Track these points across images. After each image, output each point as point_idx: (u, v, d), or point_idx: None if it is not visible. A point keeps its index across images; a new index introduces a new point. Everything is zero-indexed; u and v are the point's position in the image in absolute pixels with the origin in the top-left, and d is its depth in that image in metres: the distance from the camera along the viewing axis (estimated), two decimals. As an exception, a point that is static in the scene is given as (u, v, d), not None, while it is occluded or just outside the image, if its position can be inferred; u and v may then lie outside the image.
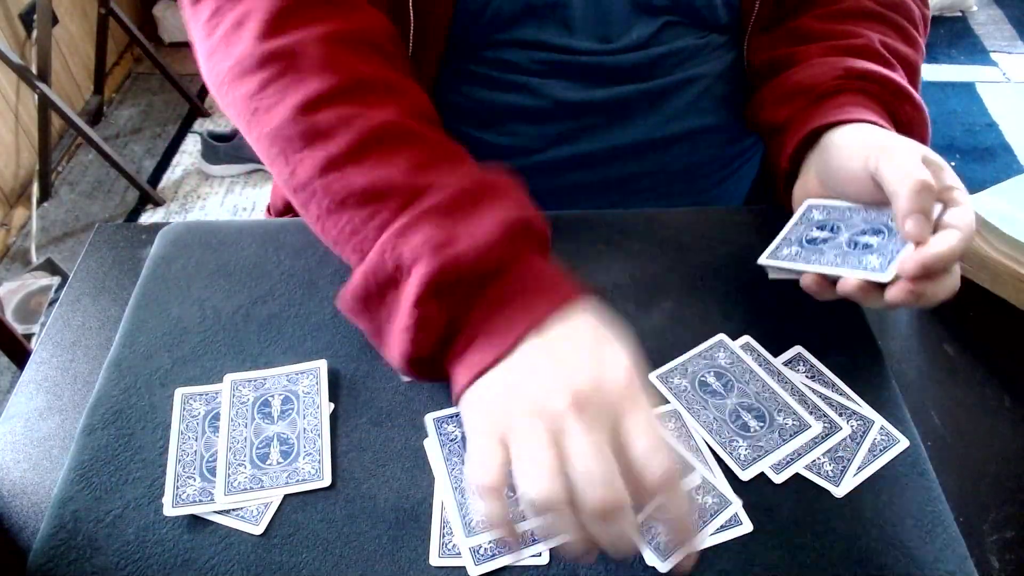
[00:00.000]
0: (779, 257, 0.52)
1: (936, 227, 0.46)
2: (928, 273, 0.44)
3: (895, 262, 0.46)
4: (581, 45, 0.64)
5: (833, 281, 0.49)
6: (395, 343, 0.44)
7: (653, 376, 0.51)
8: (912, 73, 0.62)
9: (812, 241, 0.52)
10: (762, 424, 0.48)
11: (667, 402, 0.50)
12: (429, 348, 0.43)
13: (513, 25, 0.63)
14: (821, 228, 0.52)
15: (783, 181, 0.60)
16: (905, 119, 0.57)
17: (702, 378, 0.51)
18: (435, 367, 0.44)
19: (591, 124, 0.67)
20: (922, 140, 0.58)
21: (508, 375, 0.41)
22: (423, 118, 0.48)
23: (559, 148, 0.68)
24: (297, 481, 0.46)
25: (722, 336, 0.53)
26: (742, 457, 0.47)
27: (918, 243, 0.45)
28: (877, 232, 0.49)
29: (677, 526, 0.39)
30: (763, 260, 0.53)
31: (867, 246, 0.49)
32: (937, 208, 0.47)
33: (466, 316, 0.43)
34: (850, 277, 0.47)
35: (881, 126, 0.54)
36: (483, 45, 0.64)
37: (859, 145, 0.52)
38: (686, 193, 0.73)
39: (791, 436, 0.48)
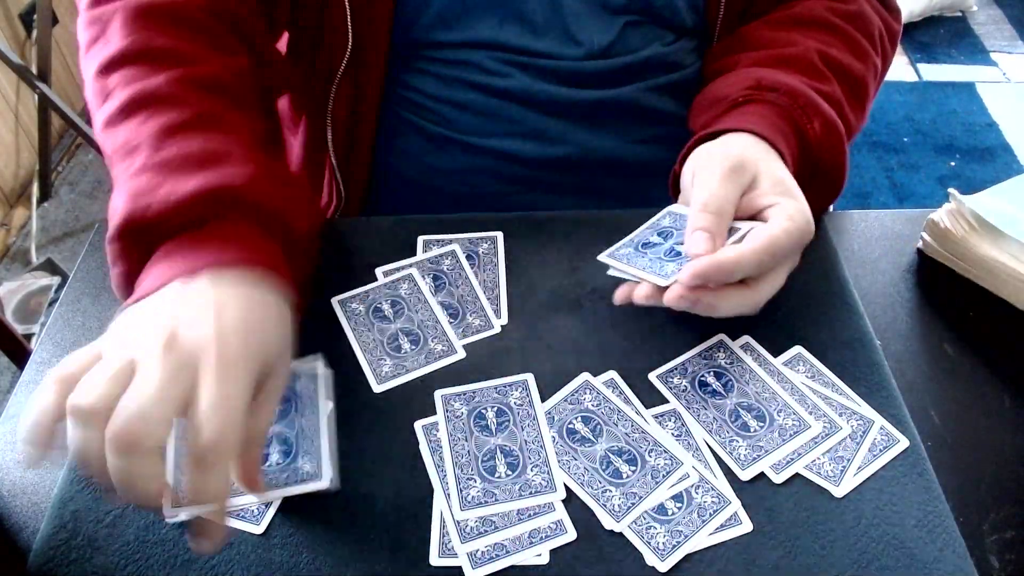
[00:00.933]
0: (615, 256, 0.53)
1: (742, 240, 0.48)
2: (702, 281, 0.46)
3: (676, 269, 0.48)
4: (544, 48, 0.64)
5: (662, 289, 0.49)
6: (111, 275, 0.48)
7: (653, 376, 0.51)
8: (855, 85, 0.61)
9: (645, 245, 0.52)
10: (762, 424, 0.48)
11: (667, 401, 0.50)
12: (125, 280, 0.47)
13: (464, 22, 0.63)
14: (660, 234, 0.53)
15: (674, 189, 0.59)
16: (812, 136, 0.56)
17: (702, 378, 0.51)
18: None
19: (558, 126, 0.67)
20: (834, 157, 0.57)
21: (143, 306, 0.42)
22: (196, 84, 0.52)
23: (524, 143, 0.68)
24: (296, 482, 0.46)
25: (722, 336, 0.53)
26: (742, 457, 0.47)
27: (695, 256, 0.47)
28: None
29: (195, 499, 0.37)
30: (602, 256, 0.53)
31: (678, 255, 0.50)
32: (740, 224, 0.49)
33: (147, 258, 0.46)
34: (644, 279, 0.49)
35: (763, 136, 0.53)
36: (434, 44, 0.65)
37: (708, 155, 0.53)
38: (664, 198, 0.73)
39: (791, 436, 0.48)
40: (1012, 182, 0.62)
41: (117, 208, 0.46)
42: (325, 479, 0.45)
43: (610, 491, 0.46)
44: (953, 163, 2.03)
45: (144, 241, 0.46)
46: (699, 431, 0.48)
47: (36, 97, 1.74)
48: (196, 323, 0.40)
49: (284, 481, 0.46)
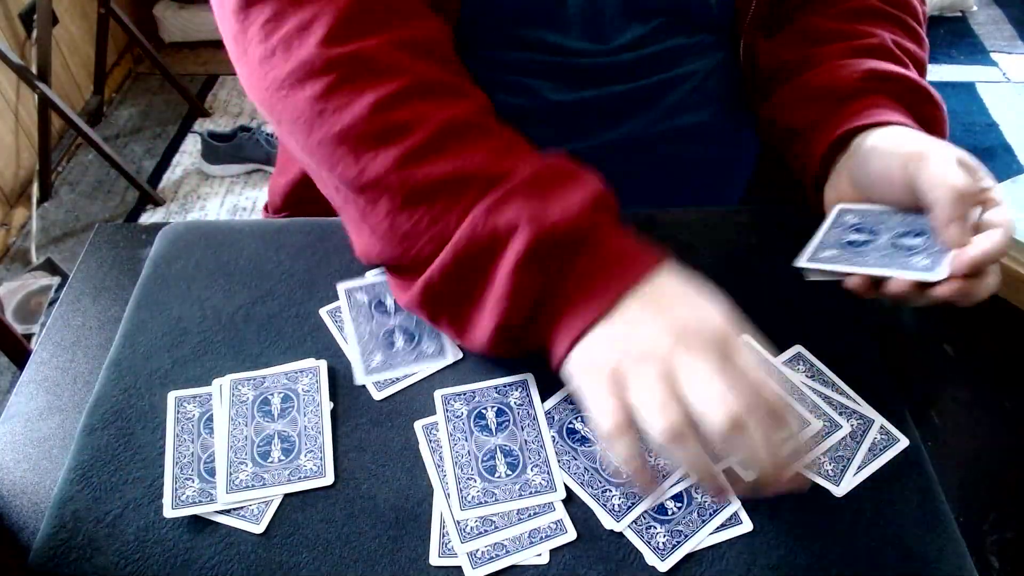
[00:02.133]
0: (820, 260, 0.52)
1: (978, 227, 0.47)
2: (977, 271, 0.46)
3: (944, 262, 0.47)
4: (575, 45, 0.64)
5: (877, 282, 0.49)
6: (486, 315, 0.46)
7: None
8: (922, 71, 0.62)
9: (852, 243, 0.52)
10: None
11: None
12: (522, 316, 0.45)
13: (515, 25, 0.63)
14: (858, 231, 0.53)
15: (812, 184, 0.59)
16: (927, 118, 0.57)
17: None
18: (522, 337, 0.47)
19: (581, 124, 0.67)
20: (942, 137, 0.58)
21: (611, 329, 0.43)
22: (491, 114, 0.51)
23: (545, 147, 0.68)
24: (299, 478, 0.46)
25: None
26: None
27: (960, 247, 0.47)
28: (919, 234, 0.50)
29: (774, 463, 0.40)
30: (802, 262, 0.53)
31: (911, 248, 0.49)
32: (976, 210, 0.48)
33: (562, 282, 0.45)
34: (899, 277, 0.48)
35: (909, 127, 0.54)
36: (484, 44, 0.64)
37: (894, 149, 0.52)
38: (678, 191, 0.73)
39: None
40: (1012, 182, 0.62)
41: (501, 236, 0.44)
42: (328, 476, 0.46)
43: (610, 491, 0.46)
44: (953, 163, 2.03)
45: (553, 260, 0.44)
46: None
47: (36, 97, 1.74)
48: (683, 314, 0.43)
49: (287, 479, 0.46)
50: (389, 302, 0.55)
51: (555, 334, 0.45)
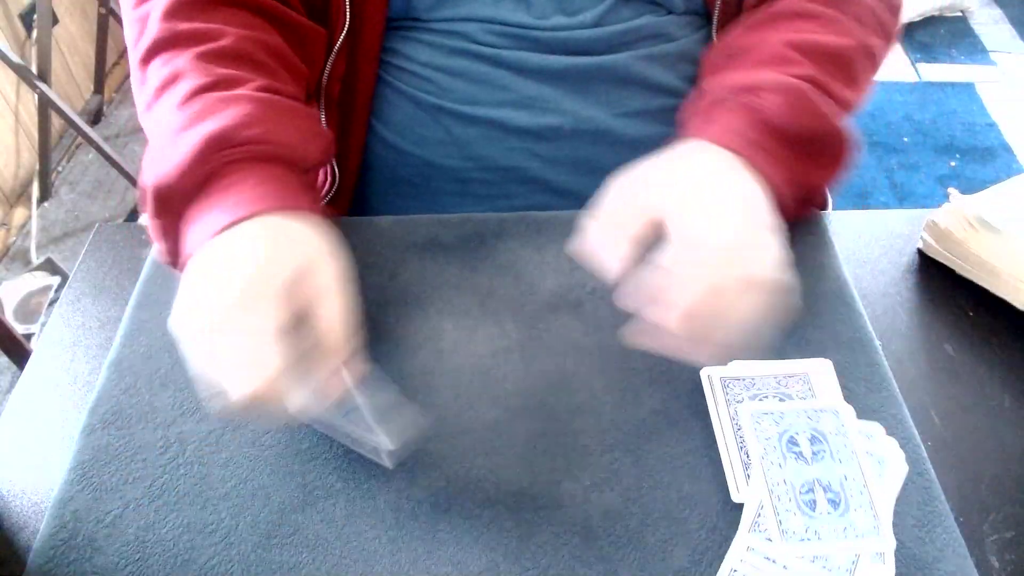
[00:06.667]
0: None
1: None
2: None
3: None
4: (537, 23, 0.65)
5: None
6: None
7: (747, 411, 0.49)
8: (836, 59, 0.59)
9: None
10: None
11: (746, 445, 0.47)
12: (168, 256, 0.50)
13: (462, 1, 0.65)
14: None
15: None
16: (770, 105, 0.54)
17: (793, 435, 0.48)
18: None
19: (549, 94, 0.68)
20: (811, 120, 0.55)
21: (189, 277, 0.46)
22: (215, 56, 0.56)
23: (516, 111, 0.68)
24: (855, 536, 0.43)
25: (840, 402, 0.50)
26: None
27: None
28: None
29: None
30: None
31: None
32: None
33: (178, 226, 0.49)
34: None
35: (731, 144, 0.52)
36: (429, 20, 0.66)
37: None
38: None
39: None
40: (1012, 182, 0.62)
41: (144, 182, 0.50)
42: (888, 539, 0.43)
43: (794, 514, 0.44)
44: (953, 163, 2.03)
45: (171, 210, 0.49)
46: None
47: (36, 97, 1.74)
48: (243, 263, 0.44)
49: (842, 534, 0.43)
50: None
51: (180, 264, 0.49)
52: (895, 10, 0.67)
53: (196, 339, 0.43)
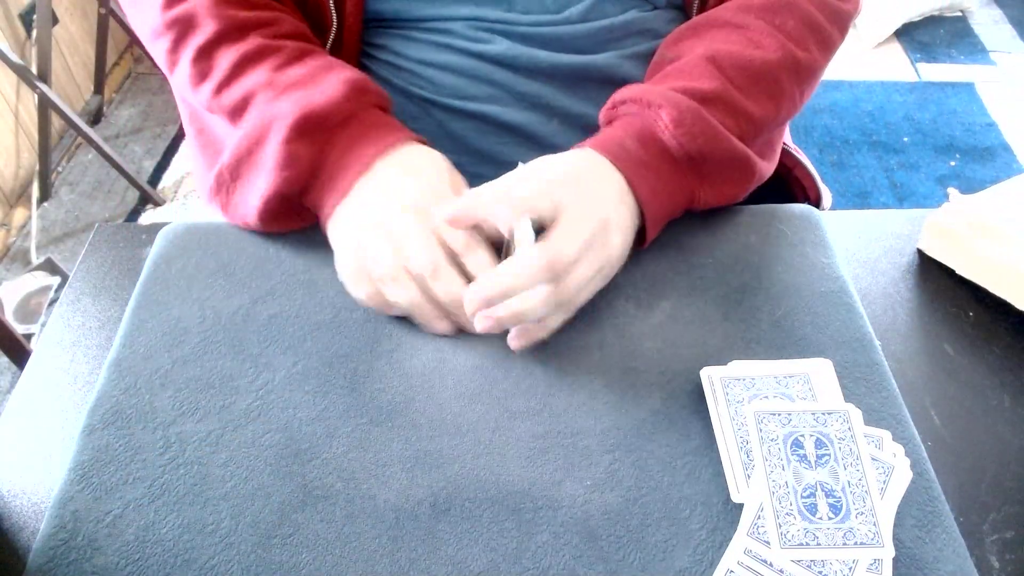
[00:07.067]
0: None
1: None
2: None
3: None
4: (521, 18, 0.66)
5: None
6: (262, 183, 0.56)
7: (751, 410, 0.48)
8: (754, 74, 0.60)
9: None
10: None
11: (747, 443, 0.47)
12: (292, 184, 0.55)
13: (442, 2, 0.66)
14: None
15: None
16: (663, 125, 0.56)
17: (799, 437, 0.48)
18: (296, 206, 0.58)
19: (539, 90, 0.68)
20: (706, 141, 0.57)
21: (363, 193, 0.55)
22: (285, 36, 0.61)
23: (506, 107, 0.68)
24: (854, 544, 0.43)
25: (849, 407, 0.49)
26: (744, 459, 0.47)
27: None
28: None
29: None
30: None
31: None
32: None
33: (328, 152, 0.56)
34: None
35: (612, 148, 0.56)
36: (412, 19, 0.67)
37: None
38: None
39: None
40: (1012, 182, 0.62)
41: (279, 114, 0.55)
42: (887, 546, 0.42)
43: (794, 518, 0.43)
44: (953, 163, 2.03)
45: (318, 138, 0.55)
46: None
47: (36, 97, 1.74)
48: (410, 188, 0.55)
49: (841, 541, 0.43)
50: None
51: (322, 197, 0.56)
52: (838, 15, 0.66)
53: (392, 223, 0.52)
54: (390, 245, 0.52)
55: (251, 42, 0.58)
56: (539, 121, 0.69)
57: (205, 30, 0.58)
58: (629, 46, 0.69)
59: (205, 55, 0.58)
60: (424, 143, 0.59)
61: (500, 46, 0.66)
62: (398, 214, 0.53)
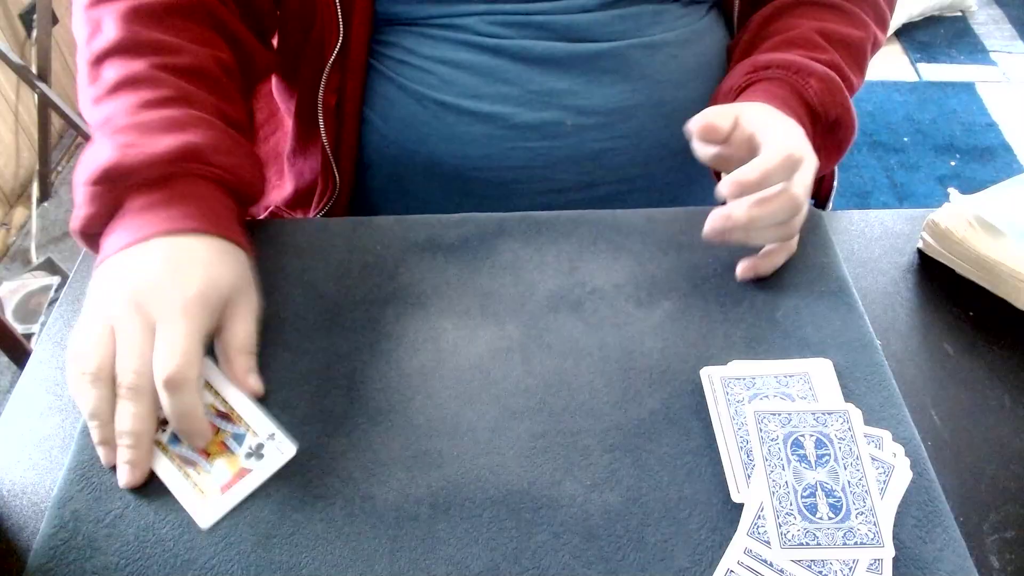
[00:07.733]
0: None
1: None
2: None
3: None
4: (539, 6, 0.67)
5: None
6: (76, 213, 0.55)
7: (751, 410, 0.48)
8: (854, 50, 0.69)
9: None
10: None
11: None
12: (92, 224, 0.54)
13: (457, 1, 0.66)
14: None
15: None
16: (812, 92, 0.64)
17: (799, 437, 0.47)
18: (95, 243, 0.55)
19: (552, 87, 0.68)
20: (837, 107, 0.64)
21: (124, 261, 0.51)
22: (175, 70, 0.58)
23: (518, 107, 0.68)
24: (854, 544, 0.43)
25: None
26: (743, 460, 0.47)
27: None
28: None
29: (176, 424, 0.47)
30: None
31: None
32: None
33: (124, 204, 0.53)
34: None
35: (772, 105, 0.61)
36: (429, 18, 0.67)
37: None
38: (666, 177, 0.73)
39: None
40: (1012, 182, 0.62)
41: (99, 157, 0.52)
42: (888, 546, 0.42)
43: (794, 518, 0.43)
44: (953, 163, 2.03)
45: (119, 188, 0.52)
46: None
47: (36, 97, 1.74)
48: (156, 284, 0.49)
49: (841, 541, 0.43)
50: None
51: (103, 244, 0.53)
52: (892, 3, 0.75)
53: (122, 312, 0.47)
54: (129, 343, 0.47)
55: (138, 64, 0.57)
56: (552, 123, 0.69)
57: (106, 36, 0.58)
58: (645, 35, 0.69)
59: (98, 63, 0.58)
60: (235, 238, 0.54)
61: (514, 39, 0.66)
62: (132, 312, 0.48)
